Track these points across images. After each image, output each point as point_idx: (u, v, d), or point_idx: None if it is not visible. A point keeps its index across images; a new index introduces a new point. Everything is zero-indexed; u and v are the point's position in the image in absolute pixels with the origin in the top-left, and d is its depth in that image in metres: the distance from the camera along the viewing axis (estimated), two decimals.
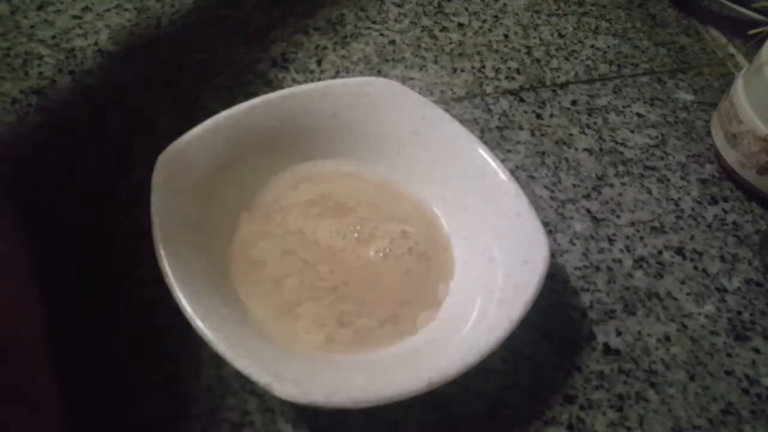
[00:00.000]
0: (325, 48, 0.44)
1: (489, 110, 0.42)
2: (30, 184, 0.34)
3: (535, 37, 0.48)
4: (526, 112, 0.42)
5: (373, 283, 0.31)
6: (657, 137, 0.42)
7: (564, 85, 0.45)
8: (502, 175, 0.32)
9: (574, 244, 0.36)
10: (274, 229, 0.31)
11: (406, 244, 0.33)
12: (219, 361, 0.29)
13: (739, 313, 0.34)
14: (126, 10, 0.44)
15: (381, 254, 0.32)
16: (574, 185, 0.39)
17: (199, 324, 0.25)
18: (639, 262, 0.36)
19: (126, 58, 0.41)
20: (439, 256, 0.32)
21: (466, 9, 0.49)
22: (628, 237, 0.37)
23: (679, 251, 0.37)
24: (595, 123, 0.43)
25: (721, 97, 0.42)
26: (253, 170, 0.33)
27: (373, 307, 0.30)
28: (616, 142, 0.42)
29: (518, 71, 0.45)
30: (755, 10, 0.51)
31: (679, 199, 0.39)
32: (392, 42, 0.45)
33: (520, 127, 0.41)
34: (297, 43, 0.44)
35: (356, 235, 0.32)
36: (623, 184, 0.39)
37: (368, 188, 0.34)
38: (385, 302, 0.30)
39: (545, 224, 0.35)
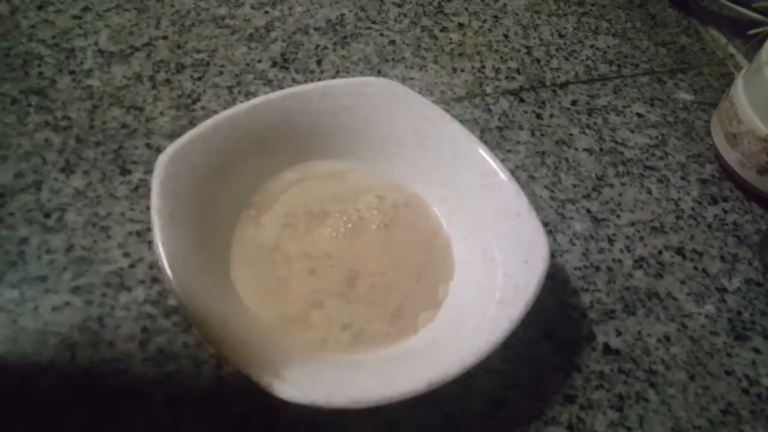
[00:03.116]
0: (325, 48, 0.44)
1: (489, 110, 0.42)
2: (30, 183, 0.34)
3: (535, 37, 0.48)
4: (526, 112, 0.42)
5: (389, 260, 0.31)
6: (657, 137, 0.42)
7: (564, 85, 0.45)
8: (502, 175, 0.32)
9: (574, 244, 0.36)
10: (282, 267, 0.31)
11: (389, 203, 0.33)
12: (219, 361, 0.29)
13: (739, 313, 0.34)
14: (126, 10, 0.44)
15: (382, 226, 0.32)
16: (574, 185, 0.39)
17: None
18: (639, 262, 0.36)
19: (126, 58, 0.41)
20: (439, 255, 0.33)
21: (466, 9, 0.49)
22: (628, 237, 0.37)
23: (679, 251, 0.37)
24: (595, 123, 0.43)
25: (721, 97, 0.42)
26: (253, 170, 0.33)
27: (392, 290, 0.31)
28: (616, 142, 0.42)
29: (518, 71, 0.45)
30: (755, 10, 0.51)
31: (679, 199, 0.39)
32: (392, 42, 0.45)
33: (520, 127, 0.41)
34: (297, 43, 0.44)
35: (350, 225, 0.32)
36: (623, 184, 0.39)
37: (317, 185, 0.34)
38: (409, 276, 0.31)
39: (545, 224, 0.35)
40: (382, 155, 0.35)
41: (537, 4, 0.50)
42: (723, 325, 0.34)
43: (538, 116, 0.42)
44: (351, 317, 0.30)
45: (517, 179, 0.32)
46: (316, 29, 0.45)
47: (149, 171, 0.35)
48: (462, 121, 0.34)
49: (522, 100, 0.43)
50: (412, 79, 0.43)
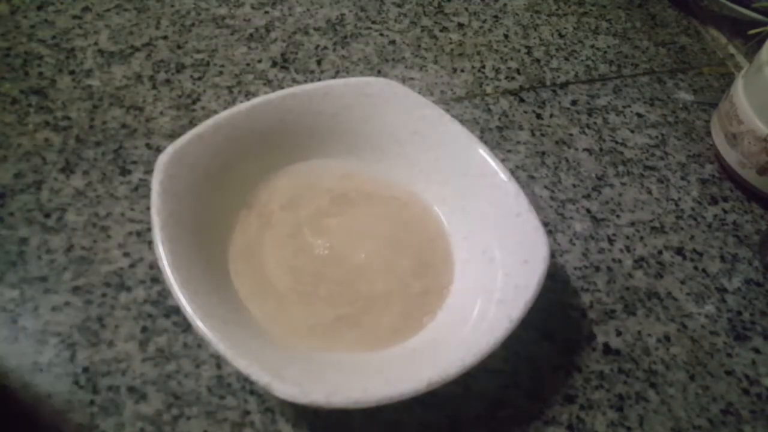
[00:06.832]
0: (325, 48, 0.44)
1: (489, 110, 0.42)
2: (30, 183, 0.34)
3: (535, 37, 0.48)
4: (526, 112, 0.42)
5: (390, 260, 0.32)
6: (657, 137, 0.42)
7: (564, 85, 0.45)
8: (502, 175, 0.32)
9: (574, 244, 0.36)
10: (283, 268, 0.31)
11: (389, 203, 0.34)
12: (219, 361, 0.29)
13: (739, 313, 0.34)
14: (126, 10, 0.44)
15: (382, 226, 0.33)
16: (574, 185, 0.39)
17: (199, 324, 0.25)
18: (639, 262, 0.36)
19: (126, 58, 0.41)
20: (439, 255, 0.33)
21: (466, 9, 0.49)
22: (628, 237, 0.37)
23: (679, 251, 0.37)
24: (595, 123, 0.43)
25: (721, 97, 0.42)
26: (253, 170, 0.33)
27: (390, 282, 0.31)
28: (616, 142, 0.42)
29: (518, 71, 0.45)
30: (755, 10, 0.51)
31: (679, 199, 0.39)
32: (392, 42, 0.45)
33: (520, 127, 0.41)
34: (297, 43, 0.44)
35: (350, 226, 0.33)
36: (623, 184, 0.39)
37: (317, 185, 0.34)
38: (409, 276, 0.31)
39: (545, 224, 0.36)
40: (382, 155, 0.35)
41: (537, 4, 0.51)
42: (723, 325, 0.34)
43: (538, 116, 0.42)
44: (351, 318, 0.30)
45: (517, 179, 0.32)
46: (316, 29, 0.45)
47: (149, 171, 0.35)
48: (462, 121, 0.34)
49: (522, 100, 0.43)
50: (412, 79, 0.43)
